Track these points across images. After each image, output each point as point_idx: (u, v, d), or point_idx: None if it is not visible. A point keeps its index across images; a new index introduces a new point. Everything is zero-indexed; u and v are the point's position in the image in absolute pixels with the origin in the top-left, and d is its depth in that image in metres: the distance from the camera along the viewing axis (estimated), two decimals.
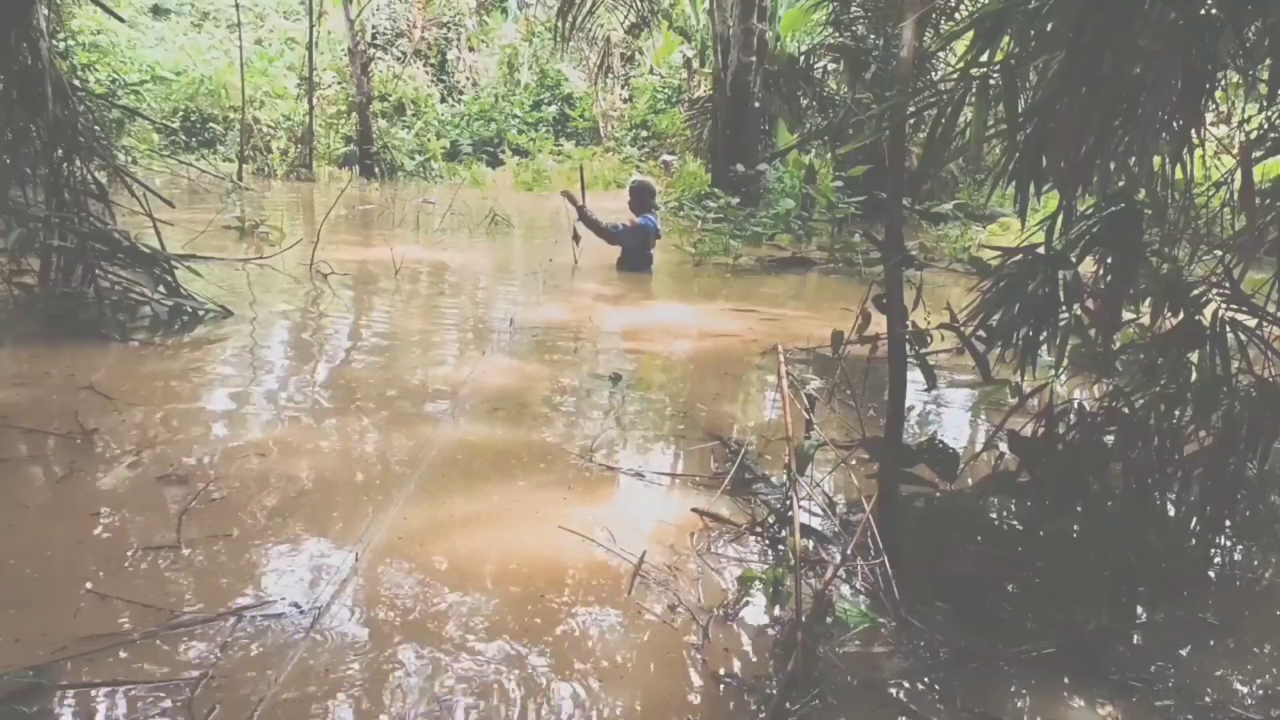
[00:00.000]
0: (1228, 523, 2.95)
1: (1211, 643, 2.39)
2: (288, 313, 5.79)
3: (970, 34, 2.59)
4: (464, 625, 2.23)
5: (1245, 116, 3.25)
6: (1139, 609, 2.55)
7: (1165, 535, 2.83)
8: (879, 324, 2.68)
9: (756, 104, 11.73)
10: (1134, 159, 2.56)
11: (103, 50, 15.36)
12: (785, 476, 2.80)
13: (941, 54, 9.99)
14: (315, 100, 15.89)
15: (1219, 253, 2.89)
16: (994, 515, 3.04)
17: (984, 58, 2.54)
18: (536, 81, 20.61)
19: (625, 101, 20.38)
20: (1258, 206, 2.66)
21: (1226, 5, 2.31)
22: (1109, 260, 2.77)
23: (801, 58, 13.09)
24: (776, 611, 2.35)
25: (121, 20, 12.59)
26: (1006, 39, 2.50)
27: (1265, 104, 2.85)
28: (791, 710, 1.94)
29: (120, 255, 5.04)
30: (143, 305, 5.04)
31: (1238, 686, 2.21)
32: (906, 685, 2.09)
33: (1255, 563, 2.92)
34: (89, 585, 2.29)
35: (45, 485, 2.92)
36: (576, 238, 7.75)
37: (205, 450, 3.21)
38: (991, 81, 2.51)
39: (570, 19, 12.73)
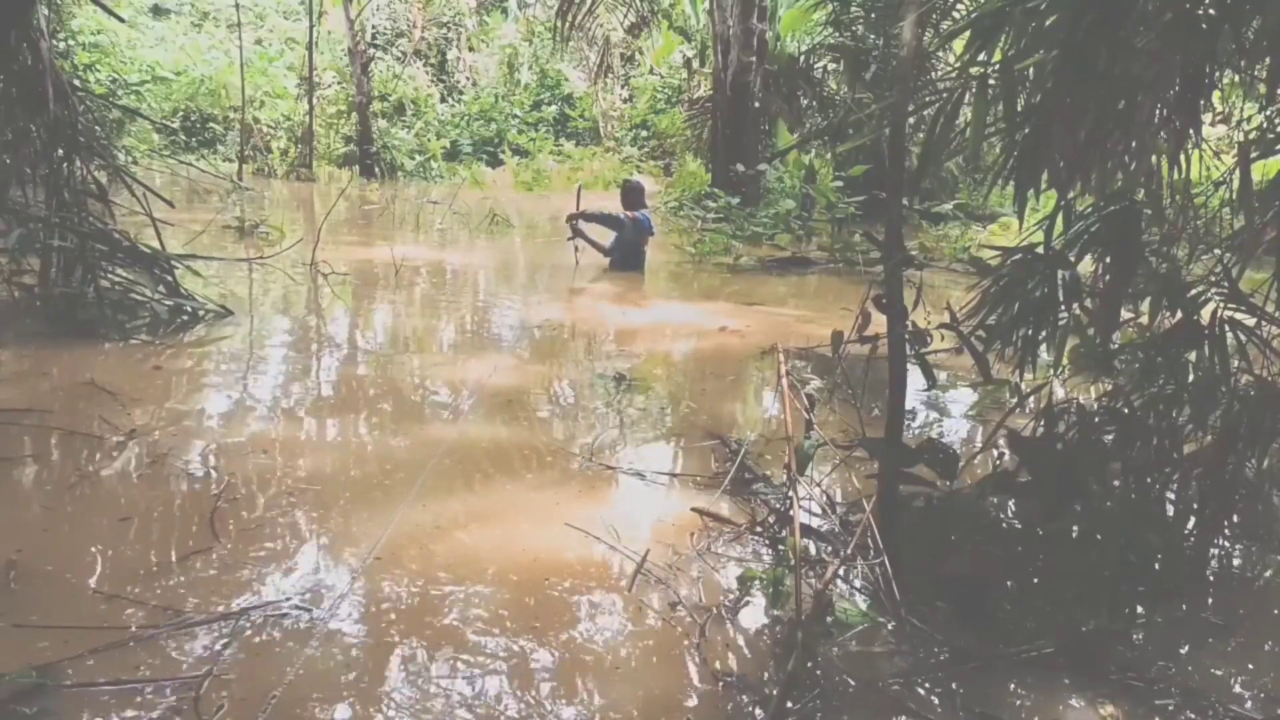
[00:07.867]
0: (1227, 523, 2.95)
1: (1211, 642, 2.39)
2: (288, 312, 5.80)
3: (969, 33, 2.59)
4: (470, 622, 2.23)
5: (1244, 116, 3.26)
6: (1139, 609, 2.55)
7: (1165, 535, 2.83)
8: (879, 324, 2.68)
9: (756, 104, 11.72)
10: (1131, 158, 2.56)
11: (103, 50, 15.34)
12: (785, 476, 2.80)
13: (941, 53, 9.97)
14: (315, 100, 15.88)
15: (1218, 252, 2.89)
16: (994, 515, 3.04)
17: (982, 57, 2.54)
18: (536, 81, 20.58)
19: (625, 101, 20.33)
20: (1256, 206, 2.66)
21: (1225, 5, 2.31)
22: (1108, 260, 2.77)
23: (801, 58, 13.08)
24: (776, 611, 2.35)
25: (121, 20, 12.58)
26: (1005, 38, 2.50)
27: (1264, 104, 2.85)
28: (791, 710, 1.94)
29: (120, 255, 5.04)
30: (143, 305, 5.04)
31: (1238, 686, 2.21)
32: (906, 685, 2.09)
33: (1255, 563, 2.92)
34: (95, 585, 2.29)
35: (56, 484, 2.92)
36: (574, 238, 7.75)
37: (210, 450, 3.21)
38: (990, 81, 2.51)
39: (570, 19, 12.72)
